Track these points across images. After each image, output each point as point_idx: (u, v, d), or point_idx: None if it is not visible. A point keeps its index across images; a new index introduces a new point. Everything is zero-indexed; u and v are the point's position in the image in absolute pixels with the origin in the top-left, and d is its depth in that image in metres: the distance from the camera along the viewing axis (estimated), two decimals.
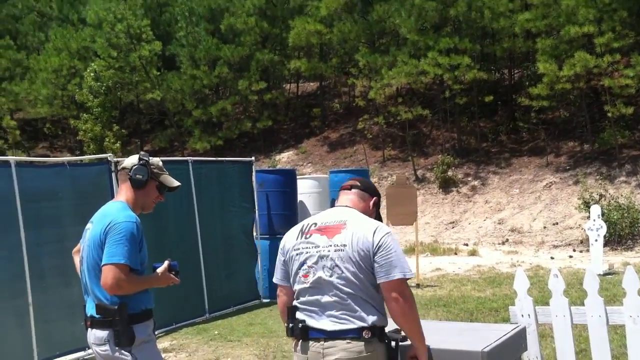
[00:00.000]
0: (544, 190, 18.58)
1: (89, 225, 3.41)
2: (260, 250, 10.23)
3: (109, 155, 8.14)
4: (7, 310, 6.71)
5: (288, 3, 26.88)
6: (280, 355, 6.85)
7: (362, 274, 2.89)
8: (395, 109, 22.41)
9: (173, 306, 8.27)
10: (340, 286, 2.89)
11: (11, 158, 7.07)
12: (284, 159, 24.79)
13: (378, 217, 3.24)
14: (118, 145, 24.44)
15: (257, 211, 10.29)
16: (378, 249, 2.88)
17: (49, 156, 25.26)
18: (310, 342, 2.92)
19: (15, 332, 6.73)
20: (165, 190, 3.53)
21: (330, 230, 2.99)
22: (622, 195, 16.43)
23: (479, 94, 21.88)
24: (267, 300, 10.04)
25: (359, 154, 23.52)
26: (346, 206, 3.14)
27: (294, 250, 3.04)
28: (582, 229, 15.45)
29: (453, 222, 18.77)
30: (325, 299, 2.91)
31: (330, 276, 2.91)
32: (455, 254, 15.93)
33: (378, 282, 2.88)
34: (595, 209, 11.55)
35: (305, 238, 3.03)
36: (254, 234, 10.34)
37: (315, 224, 3.07)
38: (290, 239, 3.10)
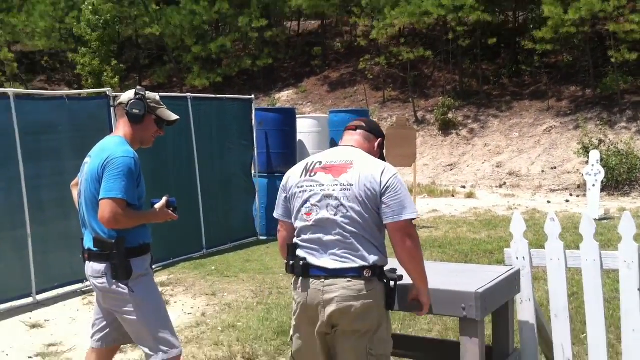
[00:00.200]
0: (543, 135, 18.54)
1: (87, 159, 3.40)
2: (259, 187, 10.27)
3: (107, 90, 8.07)
4: (6, 241, 6.77)
5: None
6: (276, 291, 6.95)
7: (367, 214, 2.89)
8: (397, 49, 22.14)
9: (171, 241, 8.33)
10: (344, 225, 2.89)
11: (10, 90, 6.99)
12: (284, 97, 24.62)
13: (382, 158, 3.22)
14: (116, 80, 24.21)
15: (256, 149, 10.29)
16: (386, 189, 2.88)
17: (46, 90, 25.07)
18: (311, 280, 2.94)
19: (14, 263, 6.79)
20: (164, 124, 3.50)
21: (336, 169, 2.97)
22: (621, 141, 16.42)
23: (482, 36, 21.59)
24: (264, 238, 10.12)
25: (359, 94, 23.36)
26: (351, 146, 3.12)
27: (297, 187, 3.03)
28: (580, 173, 15.50)
29: (451, 165, 18.79)
30: (328, 237, 2.91)
31: (335, 215, 2.91)
32: (453, 196, 16.01)
33: (385, 222, 2.89)
34: (594, 154, 11.54)
35: (310, 176, 3.01)
36: (253, 171, 10.37)
37: (320, 162, 3.05)
38: (293, 176, 3.08)
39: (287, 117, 11.00)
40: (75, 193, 3.56)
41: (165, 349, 3.28)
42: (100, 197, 3.18)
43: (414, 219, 2.91)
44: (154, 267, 3.48)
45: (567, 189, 16.12)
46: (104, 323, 3.45)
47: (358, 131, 3.18)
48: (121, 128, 3.43)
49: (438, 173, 18.48)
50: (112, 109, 7.48)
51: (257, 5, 24.80)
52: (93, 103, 8.13)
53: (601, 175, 11.28)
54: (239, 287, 7.26)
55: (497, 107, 20.67)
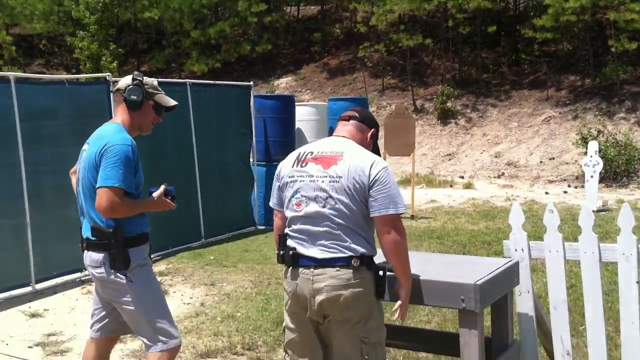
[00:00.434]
0: (542, 125, 18.52)
1: (85, 147, 3.38)
2: (257, 176, 10.23)
3: (107, 75, 8.03)
4: (5, 229, 6.72)
5: None
6: (275, 281, 6.95)
7: (355, 206, 2.91)
8: (396, 36, 22.04)
9: (169, 230, 8.29)
10: (333, 217, 2.91)
11: (10, 74, 6.94)
12: (283, 84, 24.54)
13: (375, 149, 3.23)
14: (115, 64, 24.09)
15: (254, 137, 10.24)
16: (374, 183, 2.89)
17: (44, 74, 24.95)
18: (300, 269, 2.97)
19: (13, 251, 6.75)
20: (163, 110, 3.48)
21: (326, 161, 2.98)
22: (620, 132, 16.41)
23: (482, 23, 21.50)
24: (263, 227, 10.10)
25: (359, 82, 23.29)
26: (343, 137, 3.13)
27: (289, 177, 3.05)
28: (578, 164, 15.50)
29: (450, 154, 18.77)
30: (316, 229, 2.94)
31: (323, 207, 2.93)
32: (451, 186, 16.00)
33: (372, 215, 2.90)
34: (593, 145, 11.53)
35: (301, 166, 3.03)
36: (251, 160, 10.32)
37: (312, 152, 3.06)
38: (286, 166, 3.11)
39: (286, 105, 10.95)
40: (74, 181, 3.53)
41: (164, 339, 3.27)
42: (97, 186, 3.16)
43: (401, 213, 2.92)
44: (152, 256, 3.47)
45: (565, 179, 16.13)
46: (103, 313, 3.45)
47: (351, 121, 3.18)
48: (119, 115, 3.40)
49: (436, 163, 18.46)
50: (111, 94, 7.44)
51: None
52: (93, 88, 8.08)
53: (599, 167, 11.26)
54: (238, 277, 7.26)
55: (496, 96, 20.63)
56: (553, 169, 16.75)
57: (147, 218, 3.38)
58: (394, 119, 11.75)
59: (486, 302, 3.14)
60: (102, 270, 3.22)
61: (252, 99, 10.27)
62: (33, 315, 6.03)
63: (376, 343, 2.97)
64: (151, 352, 3.28)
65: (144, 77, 3.42)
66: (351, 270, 2.89)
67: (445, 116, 20.28)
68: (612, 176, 15.31)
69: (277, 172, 3.16)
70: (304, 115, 11.72)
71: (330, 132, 11.26)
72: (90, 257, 3.26)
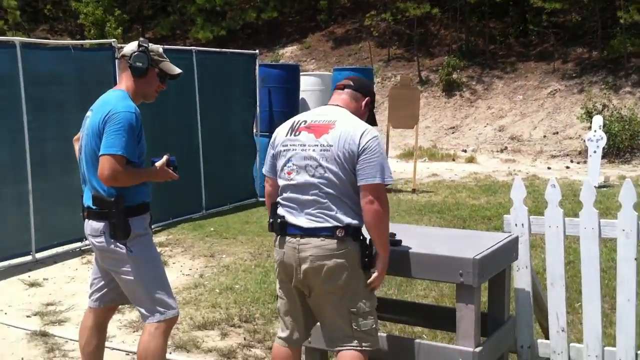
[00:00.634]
0: (547, 98, 18.42)
1: (88, 114, 3.35)
2: (259, 147, 10.09)
3: (112, 41, 7.96)
4: (7, 196, 6.70)
5: None
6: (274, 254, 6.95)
7: (345, 175, 2.93)
8: (403, 5, 21.83)
9: (170, 201, 8.26)
10: (321, 186, 2.94)
11: (16, 39, 6.87)
12: (288, 53, 24.38)
13: (371, 117, 3.26)
14: (119, 31, 23.91)
15: (258, 107, 10.17)
16: (363, 151, 2.91)
17: (49, 39, 24.81)
18: (287, 238, 3.02)
19: (15, 219, 6.73)
20: (167, 78, 3.44)
21: (318, 129, 3.01)
22: (625, 107, 16.31)
23: None
24: (264, 199, 10.04)
25: (364, 52, 23.12)
26: (337, 105, 3.14)
27: (282, 146, 3.08)
28: (581, 139, 15.44)
29: (453, 127, 18.70)
30: (305, 197, 2.97)
31: (313, 176, 2.96)
32: (453, 160, 15.98)
33: (358, 184, 2.93)
34: (598, 120, 11.43)
35: (294, 135, 3.06)
36: (254, 130, 10.26)
37: (305, 121, 3.09)
38: (280, 134, 3.14)
39: (291, 74, 10.86)
40: (77, 148, 3.50)
41: (162, 310, 3.28)
42: (100, 154, 3.14)
43: (387, 184, 2.95)
44: (153, 227, 3.47)
45: (568, 155, 16.08)
46: (102, 283, 3.46)
47: (346, 90, 3.20)
48: (124, 82, 3.36)
49: (440, 136, 18.40)
50: (117, 61, 7.39)
51: None
52: (98, 54, 8.03)
53: (603, 142, 11.17)
54: (237, 249, 7.29)
55: (501, 68, 20.49)
56: (556, 143, 16.69)
57: (149, 188, 3.37)
58: (398, 90, 11.70)
59: (484, 277, 3.15)
60: (102, 239, 3.22)
61: (257, 67, 10.17)
62: (32, 285, 6.05)
63: (365, 313, 3.01)
64: (148, 323, 3.29)
65: (150, 44, 3.38)
66: (335, 241, 2.92)
67: (450, 88, 20.17)
68: (615, 152, 15.25)
69: (272, 140, 3.18)
70: (309, 86, 11.64)
71: None
72: (91, 226, 3.25)
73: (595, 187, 4.11)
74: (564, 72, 19.15)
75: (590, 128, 11.86)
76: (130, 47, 3.36)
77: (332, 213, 2.93)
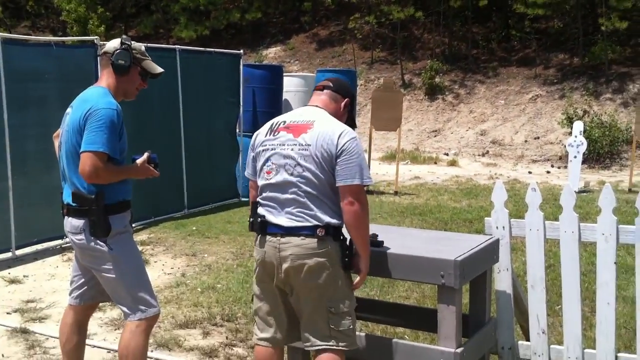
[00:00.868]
0: (529, 103, 18.55)
1: (68, 110, 3.32)
2: (242, 147, 10.07)
3: (95, 38, 7.91)
4: None
5: None
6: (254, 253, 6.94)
7: (323, 175, 2.94)
8: (387, 7, 21.90)
9: (152, 199, 8.25)
10: (300, 184, 2.95)
11: None
12: (271, 54, 24.35)
13: (350, 119, 3.27)
14: (102, 29, 23.75)
15: (241, 107, 10.15)
16: (341, 152, 2.92)
17: (30, 35, 24.58)
18: (268, 237, 3.02)
19: None
20: (148, 77, 3.43)
21: (297, 129, 3.02)
22: (605, 113, 16.48)
23: None
24: (246, 199, 9.99)
25: (348, 54, 23.16)
26: (316, 106, 3.15)
27: (262, 146, 3.09)
28: (562, 144, 15.58)
29: (436, 131, 18.78)
30: (285, 196, 2.98)
31: (291, 175, 2.96)
32: (435, 163, 16.05)
33: (337, 185, 2.93)
34: (578, 125, 11.56)
35: (273, 135, 3.07)
36: (237, 130, 10.24)
37: (285, 121, 3.10)
38: (260, 135, 3.14)
39: (274, 75, 10.87)
40: (56, 145, 3.47)
41: (143, 308, 3.26)
42: (81, 150, 3.12)
43: (366, 185, 2.96)
44: (134, 225, 3.45)
45: (548, 159, 16.21)
46: (82, 280, 3.43)
47: (325, 91, 3.22)
48: (105, 78, 3.34)
49: (422, 139, 18.47)
50: (99, 58, 7.34)
51: None
52: (80, 51, 7.96)
53: (583, 147, 11.31)
54: (220, 249, 7.26)
55: (484, 72, 20.61)
56: (537, 148, 16.82)
57: (129, 185, 3.35)
58: (382, 93, 11.74)
59: (465, 278, 3.17)
60: (82, 237, 3.20)
61: (241, 67, 10.15)
62: (12, 282, 5.99)
63: (344, 313, 3.01)
64: (130, 321, 3.27)
65: (132, 42, 3.37)
66: (316, 240, 2.93)
67: (433, 92, 20.25)
68: (595, 157, 15.40)
69: (251, 142, 3.19)
70: (292, 86, 11.65)
71: None
72: (71, 223, 3.23)
73: (575, 192, 4.15)
74: (545, 78, 19.31)
75: (571, 134, 11.98)
76: (113, 44, 3.34)
77: (312, 212, 2.94)
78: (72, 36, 22.59)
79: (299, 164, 2.95)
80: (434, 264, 3.08)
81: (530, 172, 14.75)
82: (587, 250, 5.99)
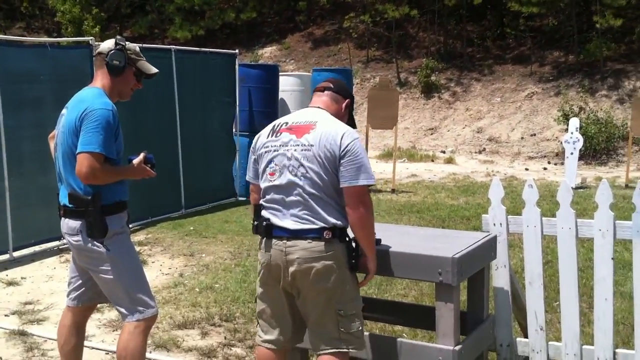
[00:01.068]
0: (525, 101, 18.58)
1: (63, 111, 3.31)
2: (239, 147, 10.11)
3: (90, 39, 7.90)
4: None
5: None
6: (254, 253, 6.93)
7: (327, 176, 2.92)
8: (382, 6, 21.90)
9: (149, 200, 8.23)
10: (304, 186, 2.93)
11: None
12: (267, 54, 24.33)
13: (351, 120, 3.26)
14: (97, 29, 23.71)
15: (237, 107, 10.15)
16: (345, 153, 2.91)
17: (25, 37, 24.53)
18: (274, 240, 2.99)
19: None
20: (143, 78, 3.42)
21: (300, 130, 3.01)
22: (601, 109, 16.51)
23: None
24: (244, 199, 10.02)
25: (343, 53, 23.16)
26: (318, 107, 3.15)
27: (264, 148, 3.08)
28: (558, 141, 15.60)
29: (432, 129, 18.79)
30: (289, 198, 2.96)
31: (295, 176, 2.95)
32: (432, 160, 16.06)
33: (341, 186, 2.92)
34: (574, 122, 11.59)
35: (275, 137, 3.06)
36: (234, 130, 10.24)
37: (287, 123, 3.09)
38: (262, 138, 3.13)
39: (270, 74, 10.85)
40: (52, 146, 3.46)
41: (141, 308, 3.25)
42: (77, 151, 3.11)
43: (370, 185, 2.95)
44: (131, 226, 3.44)
45: (545, 156, 16.24)
46: (80, 281, 3.42)
47: (326, 92, 3.20)
48: (99, 79, 3.34)
49: (419, 137, 18.48)
50: (94, 59, 7.32)
51: None
52: (76, 52, 7.95)
53: (580, 144, 11.33)
54: (217, 249, 7.26)
55: (479, 70, 20.63)
56: (534, 145, 16.85)
57: (126, 186, 3.34)
58: (378, 92, 11.74)
59: (463, 275, 3.17)
60: (79, 238, 3.19)
61: (237, 67, 10.14)
62: (10, 284, 5.97)
63: (352, 315, 3.00)
64: (128, 322, 3.26)
65: (127, 42, 3.36)
66: (323, 243, 2.91)
67: (429, 90, 20.26)
68: (591, 153, 15.44)
69: (253, 145, 3.18)
70: (288, 86, 11.64)
71: None
72: (67, 224, 3.22)
73: (572, 188, 4.15)
74: (541, 75, 19.34)
75: (567, 130, 11.99)
76: (107, 45, 3.33)
77: (318, 214, 2.92)
78: (67, 37, 22.54)
79: (302, 165, 2.93)
80: (432, 261, 3.08)
81: (527, 169, 14.77)
82: (585, 247, 6.00)
